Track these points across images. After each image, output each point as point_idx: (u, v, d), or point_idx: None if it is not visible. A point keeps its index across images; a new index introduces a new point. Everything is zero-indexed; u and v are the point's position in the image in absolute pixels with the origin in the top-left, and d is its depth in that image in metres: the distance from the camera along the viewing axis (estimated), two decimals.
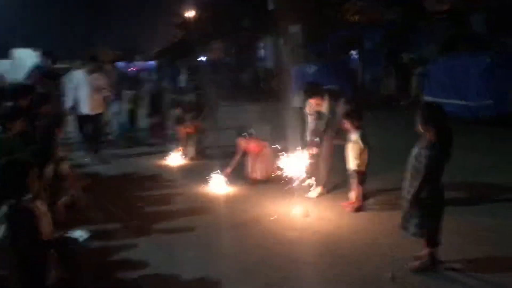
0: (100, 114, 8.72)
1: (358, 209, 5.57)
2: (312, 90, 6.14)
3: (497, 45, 12.98)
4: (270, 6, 27.20)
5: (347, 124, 5.61)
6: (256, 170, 6.94)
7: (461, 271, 3.93)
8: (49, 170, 3.44)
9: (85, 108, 8.35)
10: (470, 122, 11.60)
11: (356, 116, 5.56)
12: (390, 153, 7.02)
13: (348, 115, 5.58)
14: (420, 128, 3.87)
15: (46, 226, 3.03)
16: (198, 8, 31.92)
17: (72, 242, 3.11)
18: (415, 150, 3.90)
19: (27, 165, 3.07)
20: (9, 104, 5.40)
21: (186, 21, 33.31)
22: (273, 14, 26.30)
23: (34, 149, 3.79)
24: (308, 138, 6.14)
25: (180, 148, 8.73)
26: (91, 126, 8.50)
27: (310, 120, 6.17)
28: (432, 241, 3.92)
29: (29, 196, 3.07)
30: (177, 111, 8.90)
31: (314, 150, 5.99)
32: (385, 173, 6.50)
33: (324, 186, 6.19)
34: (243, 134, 6.98)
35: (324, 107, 6.02)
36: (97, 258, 4.41)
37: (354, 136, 5.57)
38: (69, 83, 8.41)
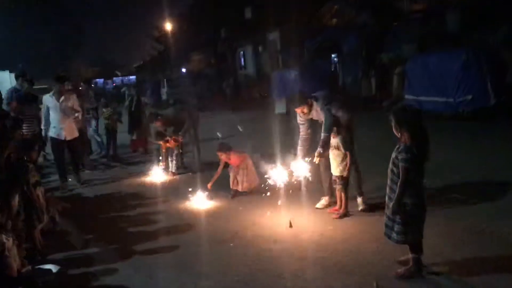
0: (75, 139, 8.11)
1: (344, 215, 5.53)
2: (297, 99, 5.94)
3: (472, 42, 13.13)
4: (247, 15, 27.28)
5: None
6: (238, 182, 6.85)
7: (445, 275, 3.87)
8: (15, 199, 3.29)
9: (58, 133, 7.85)
10: (451, 118, 11.70)
11: (335, 122, 5.52)
12: (375, 156, 6.95)
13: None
14: (394, 131, 3.82)
15: (12, 261, 2.88)
16: (175, 20, 31.80)
17: (42, 273, 2.97)
18: (393, 154, 3.84)
19: None
20: None
21: (165, 34, 33.16)
22: (251, 22, 26.38)
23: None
24: (299, 147, 5.98)
25: (162, 163, 8.62)
26: (67, 151, 8.13)
27: (302, 130, 6.00)
28: (417, 247, 3.86)
29: None
30: (157, 126, 8.78)
31: (317, 160, 5.72)
32: (370, 177, 6.43)
33: (331, 196, 6.00)
34: (222, 148, 6.95)
35: (314, 114, 5.82)
36: (77, 284, 4.27)
37: (334, 141, 5.53)
38: (43, 107, 8.16)
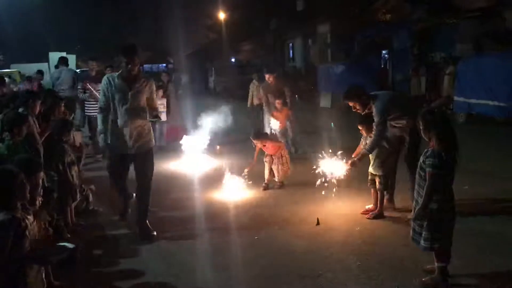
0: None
1: (378, 216, 5.32)
2: (352, 93, 5.36)
3: None
4: (299, 7, 27.00)
5: (362, 130, 5.44)
6: (274, 172, 6.82)
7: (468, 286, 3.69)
8: (38, 176, 3.36)
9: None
10: (503, 123, 11.15)
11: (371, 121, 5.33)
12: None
13: (363, 122, 5.39)
14: (423, 135, 3.70)
15: (26, 240, 2.94)
16: (228, 9, 31.91)
17: (57, 251, 3.02)
18: (420, 159, 3.68)
19: (10, 174, 3.01)
20: (20, 109, 5.42)
21: (217, 22, 33.36)
22: (301, 14, 26.09)
23: (22, 157, 3.73)
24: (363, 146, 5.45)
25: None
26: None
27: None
28: (444, 256, 3.68)
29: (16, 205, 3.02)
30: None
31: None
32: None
33: (389, 201, 5.60)
34: (258, 136, 6.95)
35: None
36: (96, 266, 4.36)
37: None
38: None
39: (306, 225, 5.23)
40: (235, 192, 6.52)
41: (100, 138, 4.99)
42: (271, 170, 6.83)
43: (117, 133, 4.86)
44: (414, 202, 3.76)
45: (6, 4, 21.43)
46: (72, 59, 24.49)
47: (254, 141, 6.95)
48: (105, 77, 4.99)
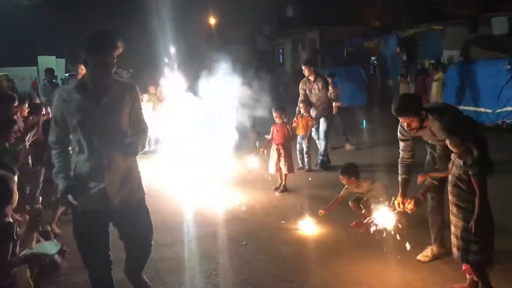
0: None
1: (366, 225, 4.57)
2: (407, 105, 3.95)
3: None
4: (289, 13, 27.19)
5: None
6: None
7: None
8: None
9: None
10: (489, 129, 11.25)
11: None
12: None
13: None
14: (454, 147, 3.47)
15: (15, 247, 2.97)
16: (219, 15, 32.00)
17: (41, 257, 3.03)
18: (455, 171, 3.52)
19: (5, 178, 3.04)
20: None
21: (208, 27, 33.41)
22: (291, 21, 26.27)
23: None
24: (402, 175, 4.27)
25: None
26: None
27: (403, 148, 4.28)
28: (489, 266, 3.53)
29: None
30: None
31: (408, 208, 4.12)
32: None
33: (440, 246, 4.37)
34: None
35: (427, 134, 4.09)
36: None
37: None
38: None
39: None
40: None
41: (60, 181, 3.06)
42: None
43: (85, 176, 3.02)
44: (454, 218, 3.56)
45: None
46: (61, 63, 24.40)
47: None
48: (56, 92, 3.32)
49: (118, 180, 3.03)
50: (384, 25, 19.42)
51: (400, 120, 4.04)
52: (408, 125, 3.95)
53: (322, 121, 8.18)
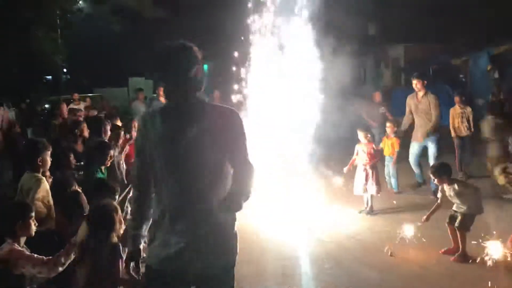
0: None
1: (462, 258, 4.85)
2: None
3: None
4: (371, 31, 26.81)
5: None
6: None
7: None
8: None
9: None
10: None
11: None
12: None
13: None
14: None
15: None
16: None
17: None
18: None
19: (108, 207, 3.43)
20: None
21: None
22: (374, 37, 25.86)
23: None
24: None
25: None
26: None
27: None
28: None
29: None
30: None
31: None
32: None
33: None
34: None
35: None
36: None
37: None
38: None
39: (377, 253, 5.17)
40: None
41: (129, 242, 2.53)
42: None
43: (164, 237, 2.38)
44: None
45: (88, 30, 22.89)
46: (148, 84, 25.70)
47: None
48: (141, 115, 2.70)
49: (199, 242, 2.33)
50: (473, 41, 18.54)
51: None
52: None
53: (431, 143, 7.46)
